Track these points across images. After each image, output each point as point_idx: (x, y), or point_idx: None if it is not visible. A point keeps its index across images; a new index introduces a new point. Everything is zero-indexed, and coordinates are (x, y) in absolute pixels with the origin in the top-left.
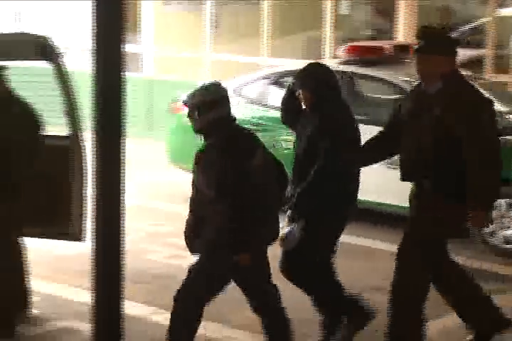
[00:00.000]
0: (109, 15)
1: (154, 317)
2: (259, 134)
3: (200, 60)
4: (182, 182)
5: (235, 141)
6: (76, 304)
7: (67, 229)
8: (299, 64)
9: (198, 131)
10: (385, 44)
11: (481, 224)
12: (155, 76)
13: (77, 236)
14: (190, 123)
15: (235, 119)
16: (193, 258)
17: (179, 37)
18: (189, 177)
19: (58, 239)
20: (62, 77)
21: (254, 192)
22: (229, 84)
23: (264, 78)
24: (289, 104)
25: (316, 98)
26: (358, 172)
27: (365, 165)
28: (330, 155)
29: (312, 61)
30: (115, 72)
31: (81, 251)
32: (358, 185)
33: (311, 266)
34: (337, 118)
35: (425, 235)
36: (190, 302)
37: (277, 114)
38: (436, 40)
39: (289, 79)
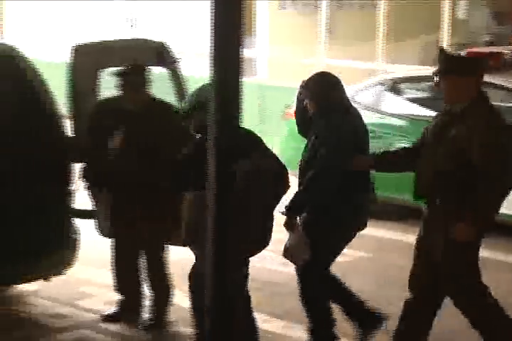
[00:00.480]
0: (227, 20)
1: (264, 326)
2: (373, 141)
3: (314, 64)
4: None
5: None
6: (181, 309)
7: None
8: (416, 70)
9: (195, 131)
10: (505, 49)
11: (462, 237)
12: (268, 81)
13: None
14: None
15: None
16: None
17: (293, 41)
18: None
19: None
20: (179, 83)
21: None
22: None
23: (379, 84)
24: (300, 114)
25: (319, 108)
26: (368, 183)
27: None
28: (326, 165)
29: (323, 71)
30: (233, 76)
31: (184, 256)
32: (368, 197)
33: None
34: (337, 128)
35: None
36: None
37: (393, 121)
38: (458, 61)
39: (405, 86)
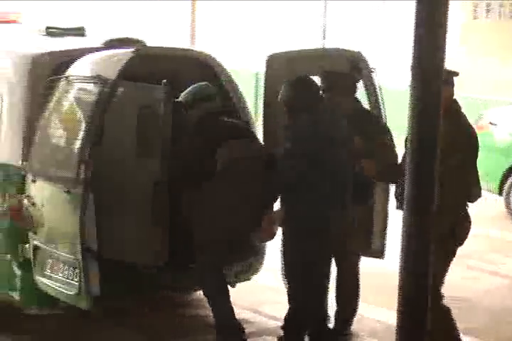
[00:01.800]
0: (429, 35)
1: None
2: None
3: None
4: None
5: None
6: (371, 321)
7: (369, 246)
8: None
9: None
10: None
11: None
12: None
13: (378, 253)
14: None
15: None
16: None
17: (491, 51)
18: (492, 196)
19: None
20: (374, 93)
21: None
22: None
23: None
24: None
25: (288, 112)
26: (343, 194)
27: None
28: (283, 169)
29: None
30: (433, 87)
31: (378, 267)
32: (342, 209)
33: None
34: (298, 134)
35: None
36: None
37: None
38: None
39: None
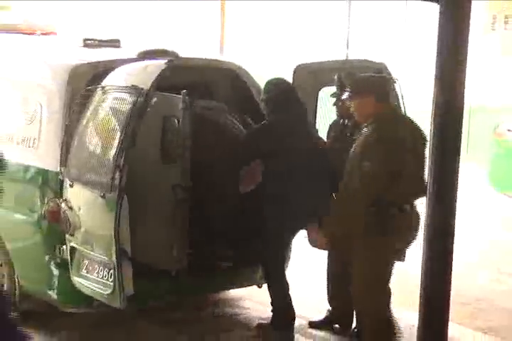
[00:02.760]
0: (452, 45)
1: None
2: None
3: None
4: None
5: None
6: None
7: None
8: None
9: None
10: None
11: None
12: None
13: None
14: None
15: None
16: None
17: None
18: None
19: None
20: (397, 103)
21: None
22: None
23: None
24: None
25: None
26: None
27: None
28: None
29: None
30: (456, 97)
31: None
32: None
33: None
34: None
35: None
36: None
37: None
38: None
39: None
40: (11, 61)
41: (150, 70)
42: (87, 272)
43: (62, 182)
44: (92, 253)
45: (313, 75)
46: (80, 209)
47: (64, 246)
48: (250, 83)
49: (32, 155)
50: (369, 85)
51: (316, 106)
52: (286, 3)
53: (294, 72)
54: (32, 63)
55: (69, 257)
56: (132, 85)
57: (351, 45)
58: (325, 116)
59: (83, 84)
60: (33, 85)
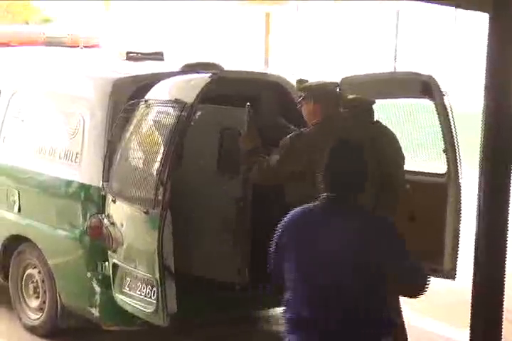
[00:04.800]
0: (501, 55)
1: None
2: None
3: None
4: None
5: None
6: (441, 339)
7: (440, 266)
8: None
9: None
10: None
11: None
12: None
13: (450, 273)
14: None
15: None
16: None
17: None
18: None
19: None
20: (446, 116)
21: None
22: None
23: None
24: None
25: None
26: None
27: None
28: None
29: None
30: (507, 107)
31: (450, 286)
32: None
33: None
34: None
35: None
36: None
37: None
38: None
39: None
40: (55, 74)
41: (194, 84)
42: (130, 289)
43: (104, 197)
44: (134, 270)
45: (359, 88)
46: (122, 225)
47: (106, 263)
48: (296, 96)
49: (74, 169)
50: (308, 91)
51: None
52: (335, 15)
53: (340, 85)
54: (75, 76)
55: (111, 274)
56: (176, 99)
57: (399, 57)
58: None
59: (126, 98)
60: (76, 99)
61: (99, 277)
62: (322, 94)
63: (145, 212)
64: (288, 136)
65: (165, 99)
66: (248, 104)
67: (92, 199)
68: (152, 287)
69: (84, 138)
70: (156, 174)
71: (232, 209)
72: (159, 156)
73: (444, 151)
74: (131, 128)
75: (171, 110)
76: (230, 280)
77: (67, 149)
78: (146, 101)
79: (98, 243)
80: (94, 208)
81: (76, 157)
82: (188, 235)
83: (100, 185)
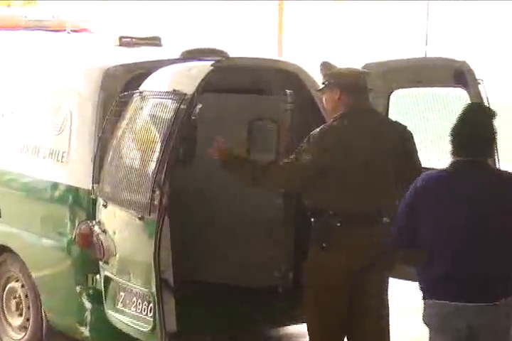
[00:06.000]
0: None
1: None
2: None
3: None
4: None
5: None
6: None
7: None
8: None
9: None
10: None
11: None
12: None
13: None
14: None
15: None
16: None
17: None
18: None
19: None
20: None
21: None
22: None
23: None
24: None
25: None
26: None
27: None
28: None
29: None
30: None
31: None
32: None
33: None
34: None
35: None
36: None
37: None
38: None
39: None
40: (38, 62)
41: (195, 73)
42: (124, 306)
43: (95, 201)
44: (129, 283)
45: (384, 75)
46: (115, 233)
47: (98, 276)
48: (310, 85)
49: (61, 170)
50: (335, 78)
51: (388, 110)
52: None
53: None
54: (61, 65)
55: (103, 288)
56: (174, 90)
57: (431, 41)
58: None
59: (119, 90)
60: (62, 90)
61: (90, 292)
62: (352, 83)
63: (140, 218)
64: (318, 130)
65: (162, 91)
66: (289, 91)
67: (81, 204)
68: (149, 303)
69: (71, 135)
70: (152, 175)
71: (275, 209)
72: (155, 155)
73: None
74: (125, 123)
75: (168, 102)
76: (272, 285)
77: (52, 147)
78: (140, 92)
79: (88, 253)
80: (84, 214)
81: (63, 156)
82: (218, 242)
83: (90, 188)
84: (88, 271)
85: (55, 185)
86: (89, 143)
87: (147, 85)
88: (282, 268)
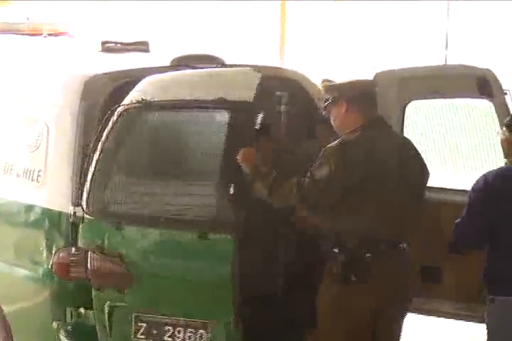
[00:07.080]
0: None
1: None
2: None
3: None
4: None
5: None
6: None
7: None
8: None
9: None
10: None
11: None
12: None
13: None
14: None
15: None
16: None
17: None
18: None
19: None
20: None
21: None
22: None
23: None
24: None
25: None
26: None
27: None
28: None
29: None
30: None
31: None
32: None
33: None
34: None
35: None
36: None
37: None
38: None
39: None
40: (10, 70)
41: (186, 82)
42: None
43: (74, 225)
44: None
45: (398, 85)
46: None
47: (81, 309)
48: (315, 94)
49: (36, 191)
50: (338, 91)
51: (403, 124)
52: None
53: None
54: (36, 73)
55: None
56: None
57: (451, 44)
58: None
59: (101, 100)
60: (38, 102)
61: (69, 328)
62: (358, 94)
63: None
64: (333, 144)
65: (150, 101)
66: (281, 93)
67: (60, 229)
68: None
69: (48, 151)
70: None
71: None
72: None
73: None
74: (112, 137)
75: (156, 115)
76: None
77: (26, 166)
78: (128, 104)
79: (67, 284)
80: (62, 240)
81: (38, 175)
82: None
83: (69, 211)
84: (67, 304)
85: (29, 208)
86: (69, 161)
87: (133, 96)
88: None
